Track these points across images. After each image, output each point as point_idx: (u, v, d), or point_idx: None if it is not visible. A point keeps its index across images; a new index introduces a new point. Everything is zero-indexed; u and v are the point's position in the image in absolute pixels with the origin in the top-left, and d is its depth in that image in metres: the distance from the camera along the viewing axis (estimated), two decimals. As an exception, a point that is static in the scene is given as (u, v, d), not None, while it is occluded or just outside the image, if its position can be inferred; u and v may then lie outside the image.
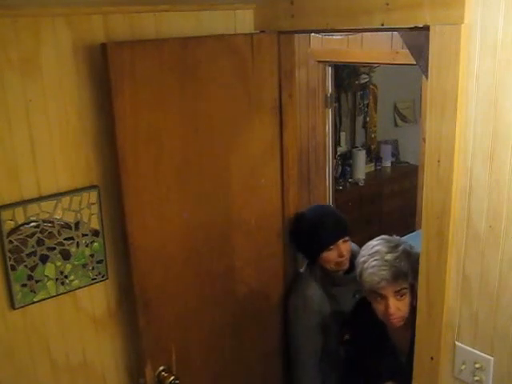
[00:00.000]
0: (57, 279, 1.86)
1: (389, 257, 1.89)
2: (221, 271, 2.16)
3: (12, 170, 1.71)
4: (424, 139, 1.69)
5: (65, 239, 1.85)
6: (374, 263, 1.89)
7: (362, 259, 1.94)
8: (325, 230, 2.27)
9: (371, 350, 2.09)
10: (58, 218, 1.82)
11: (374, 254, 1.91)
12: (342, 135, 5.57)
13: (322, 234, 2.26)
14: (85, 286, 1.93)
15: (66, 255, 1.87)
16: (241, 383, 2.35)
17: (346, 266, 2.29)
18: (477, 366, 1.61)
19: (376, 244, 1.96)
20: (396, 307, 1.88)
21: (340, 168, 5.38)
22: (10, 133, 1.69)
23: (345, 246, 2.26)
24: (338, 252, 2.25)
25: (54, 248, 1.83)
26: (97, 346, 2.01)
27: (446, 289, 1.63)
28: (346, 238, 2.28)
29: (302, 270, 2.44)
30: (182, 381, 2.04)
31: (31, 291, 1.81)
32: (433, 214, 1.61)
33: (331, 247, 2.25)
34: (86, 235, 1.90)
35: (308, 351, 2.33)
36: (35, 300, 1.82)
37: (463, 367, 1.65)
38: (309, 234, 2.30)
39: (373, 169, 5.79)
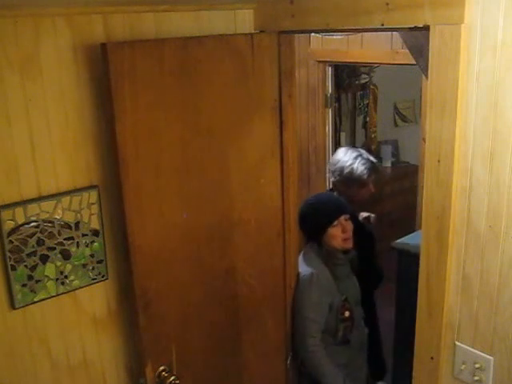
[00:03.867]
0: (57, 279, 1.86)
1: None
2: (221, 271, 2.16)
3: (12, 169, 1.71)
4: (424, 139, 1.69)
5: (65, 239, 1.85)
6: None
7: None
8: (328, 207, 2.51)
9: None
10: (58, 217, 1.82)
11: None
12: (342, 135, 5.57)
13: (325, 210, 2.49)
14: (85, 286, 1.93)
15: (66, 255, 1.87)
16: (241, 383, 2.35)
17: (351, 244, 2.47)
18: (477, 366, 1.62)
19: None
20: None
21: (340, 168, 5.37)
22: (9, 133, 1.69)
23: (347, 224, 2.47)
24: (342, 228, 2.44)
25: (54, 248, 1.84)
26: (97, 346, 2.01)
27: (446, 289, 1.63)
28: (347, 216, 2.48)
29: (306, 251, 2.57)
30: (182, 381, 2.04)
31: (31, 291, 1.81)
32: (433, 214, 1.61)
33: (335, 223, 2.43)
34: (86, 235, 1.90)
35: (316, 326, 2.41)
36: (35, 300, 1.83)
37: (463, 367, 1.65)
38: (313, 213, 2.51)
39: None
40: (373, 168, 2.97)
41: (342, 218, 2.45)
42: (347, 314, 2.46)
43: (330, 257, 2.47)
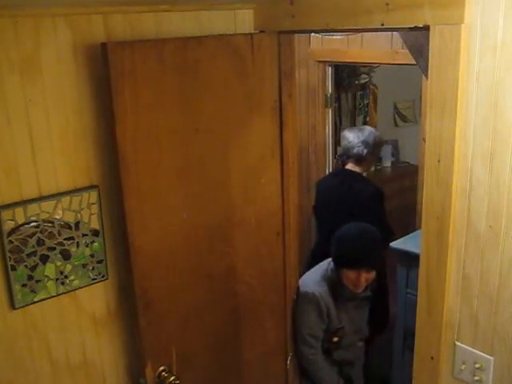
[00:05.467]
0: (57, 279, 1.86)
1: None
2: (221, 271, 2.16)
3: (12, 170, 1.71)
4: (424, 139, 1.69)
5: (65, 239, 1.85)
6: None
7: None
8: (356, 252, 2.39)
9: None
10: (58, 217, 1.82)
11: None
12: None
13: (352, 254, 2.39)
14: (85, 286, 1.94)
15: (66, 255, 1.87)
16: (241, 383, 2.35)
17: (360, 291, 2.43)
18: (477, 366, 1.61)
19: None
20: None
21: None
22: (9, 133, 1.69)
23: (366, 275, 2.39)
24: (357, 276, 2.38)
25: (54, 248, 1.84)
26: (97, 346, 2.01)
27: (446, 289, 1.63)
28: (370, 269, 2.40)
29: (323, 267, 2.55)
30: (182, 381, 2.04)
31: (31, 291, 1.81)
32: (433, 214, 1.61)
33: (353, 269, 2.38)
34: (86, 235, 1.90)
35: (314, 339, 2.45)
36: (35, 300, 1.83)
37: (463, 367, 1.65)
38: (341, 247, 2.45)
39: (373, 169, 5.78)
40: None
41: (363, 270, 2.37)
42: (335, 339, 2.48)
43: (339, 286, 2.44)
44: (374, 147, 3.38)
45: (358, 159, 3.34)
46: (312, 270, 2.60)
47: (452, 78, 1.48)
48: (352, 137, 3.36)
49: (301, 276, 2.56)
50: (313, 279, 2.51)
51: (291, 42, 2.18)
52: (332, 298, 2.44)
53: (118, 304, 2.04)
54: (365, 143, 3.32)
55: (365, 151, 3.31)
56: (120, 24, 1.84)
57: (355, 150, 3.32)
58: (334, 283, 2.45)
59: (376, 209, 3.19)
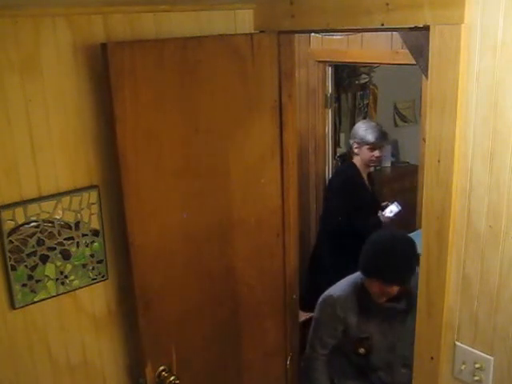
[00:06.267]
0: (57, 279, 1.86)
1: None
2: (221, 271, 2.16)
3: (12, 170, 1.71)
4: (424, 139, 1.69)
5: (65, 239, 1.85)
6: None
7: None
8: (376, 265, 2.24)
9: None
10: (58, 217, 1.82)
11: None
12: (342, 136, 5.57)
13: (370, 265, 2.26)
14: (85, 286, 1.94)
15: (66, 255, 1.87)
16: (241, 383, 2.35)
17: (382, 300, 2.30)
18: (477, 366, 1.61)
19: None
20: None
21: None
22: (9, 133, 1.69)
23: (391, 289, 2.24)
24: (381, 288, 2.25)
25: (54, 248, 1.84)
26: (97, 346, 2.01)
27: (446, 289, 1.63)
28: (391, 284, 2.24)
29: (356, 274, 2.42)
30: (182, 381, 2.04)
31: (31, 291, 1.81)
32: (433, 214, 1.61)
33: (373, 278, 2.27)
34: (86, 235, 1.90)
35: (318, 342, 2.44)
36: (35, 300, 1.83)
37: (463, 367, 1.65)
38: (363, 257, 2.28)
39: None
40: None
41: (387, 284, 2.21)
42: (361, 350, 2.35)
43: (365, 296, 2.33)
44: (365, 143, 3.56)
45: (352, 150, 3.65)
46: (348, 276, 2.47)
47: (452, 78, 1.48)
48: (356, 128, 3.67)
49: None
50: (341, 284, 2.44)
51: (291, 42, 2.18)
52: (358, 304, 2.34)
53: (118, 304, 2.04)
54: (358, 137, 3.58)
55: (355, 145, 3.60)
56: (120, 24, 1.84)
57: (351, 141, 3.68)
58: (360, 290, 2.34)
59: (338, 200, 3.47)
